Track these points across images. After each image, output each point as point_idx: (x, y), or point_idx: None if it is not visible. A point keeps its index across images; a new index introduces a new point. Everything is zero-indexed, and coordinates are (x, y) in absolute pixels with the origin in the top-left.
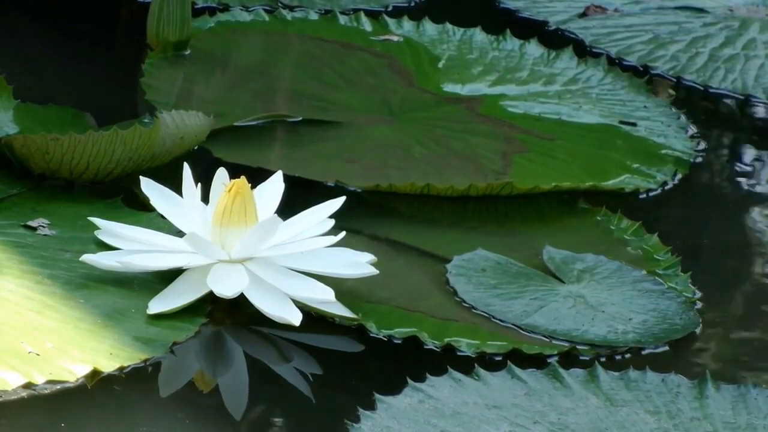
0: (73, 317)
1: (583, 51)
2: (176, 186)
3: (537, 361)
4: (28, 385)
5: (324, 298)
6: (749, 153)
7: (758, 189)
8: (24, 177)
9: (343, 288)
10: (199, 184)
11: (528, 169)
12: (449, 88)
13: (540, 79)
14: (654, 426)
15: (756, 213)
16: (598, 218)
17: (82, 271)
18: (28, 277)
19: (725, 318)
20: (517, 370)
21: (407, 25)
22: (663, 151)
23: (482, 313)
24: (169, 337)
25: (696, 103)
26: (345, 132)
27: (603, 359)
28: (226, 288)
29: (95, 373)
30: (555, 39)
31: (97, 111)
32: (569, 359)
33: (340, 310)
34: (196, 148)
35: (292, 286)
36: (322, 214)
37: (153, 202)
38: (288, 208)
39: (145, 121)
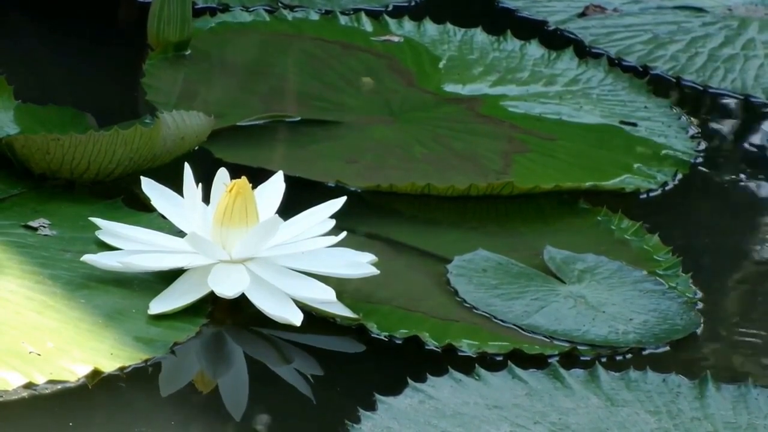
0: (74, 317)
1: (583, 51)
2: (177, 186)
3: (538, 362)
4: (29, 385)
5: (325, 299)
6: (749, 153)
7: (759, 189)
8: (25, 177)
9: (343, 288)
10: (200, 185)
11: (529, 169)
12: (450, 88)
13: (541, 79)
14: (655, 426)
15: (756, 213)
16: (599, 218)
17: (82, 272)
18: (28, 278)
19: (726, 318)
20: (518, 371)
21: (408, 25)
22: (664, 151)
23: (483, 314)
24: (169, 337)
25: (696, 103)
26: (346, 132)
27: (604, 359)
28: (227, 288)
29: (96, 373)
30: (554, 39)
31: (98, 111)
32: (570, 359)
33: (341, 311)
34: (196, 148)
35: (293, 286)
36: (322, 214)
37: (154, 203)
38: (289, 208)
39: (146, 121)
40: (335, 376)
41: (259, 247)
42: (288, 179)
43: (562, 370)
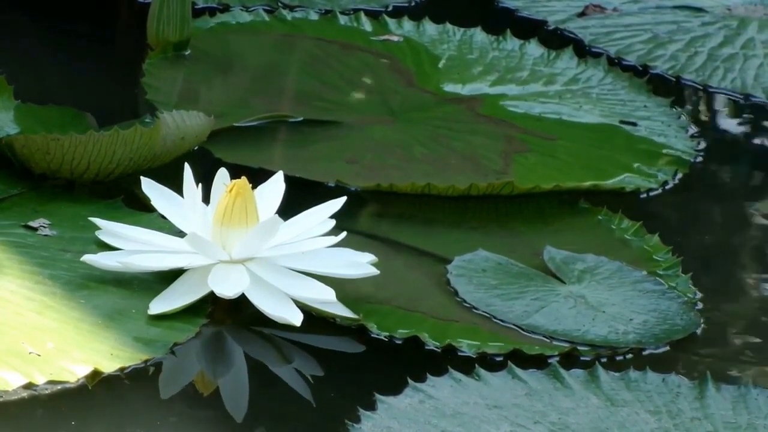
0: (74, 317)
1: (582, 50)
2: (177, 186)
3: (538, 362)
4: (29, 386)
5: (325, 299)
6: (749, 152)
7: (759, 188)
8: (25, 177)
9: (343, 288)
10: (200, 185)
11: (529, 168)
12: (450, 88)
13: (540, 79)
14: (654, 426)
15: (757, 212)
16: (599, 218)
17: (82, 272)
18: (28, 278)
19: (726, 318)
20: (518, 371)
21: (407, 25)
22: (664, 151)
23: (483, 314)
24: (169, 337)
25: (696, 102)
26: (346, 132)
27: (604, 360)
28: (227, 288)
29: (96, 374)
30: (554, 38)
31: (98, 111)
32: (570, 359)
33: (341, 311)
34: (196, 148)
35: (293, 287)
36: (322, 214)
37: (154, 203)
38: (289, 208)
39: (146, 121)
40: (335, 376)
41: (259, 247)
42: (288, 179)
43: (562, 370)
